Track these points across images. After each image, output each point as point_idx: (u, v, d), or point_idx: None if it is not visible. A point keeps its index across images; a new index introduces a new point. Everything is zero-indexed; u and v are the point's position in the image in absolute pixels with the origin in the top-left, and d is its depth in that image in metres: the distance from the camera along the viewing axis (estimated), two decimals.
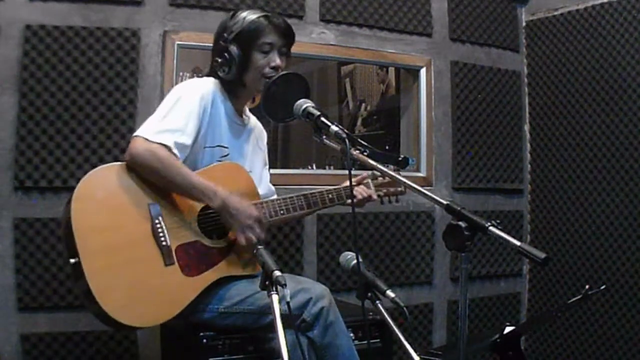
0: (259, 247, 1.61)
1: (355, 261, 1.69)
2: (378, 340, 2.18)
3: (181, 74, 2.85)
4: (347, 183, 2.20)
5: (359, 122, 4.72)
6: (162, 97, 2.58)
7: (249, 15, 2.05)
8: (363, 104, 4.73)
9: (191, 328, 1.99)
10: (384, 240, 3.15)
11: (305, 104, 1.75)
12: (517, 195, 3.55)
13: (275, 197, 2.21)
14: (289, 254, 2.92)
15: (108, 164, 1.96)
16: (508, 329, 2.16)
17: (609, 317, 3.11)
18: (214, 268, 1.96)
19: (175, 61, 2.71)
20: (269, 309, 1.75)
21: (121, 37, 2.60)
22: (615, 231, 3.12)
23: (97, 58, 2.56)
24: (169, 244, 1.88)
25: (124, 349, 2.58)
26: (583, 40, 3.26)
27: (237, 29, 2.03)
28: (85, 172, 1.90)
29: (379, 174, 2.28)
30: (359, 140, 1.63)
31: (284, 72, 1.98)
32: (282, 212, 2.07)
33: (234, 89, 2.10)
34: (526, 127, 3.58)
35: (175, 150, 1.90)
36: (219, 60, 2.06)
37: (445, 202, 1.40)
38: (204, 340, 1.96)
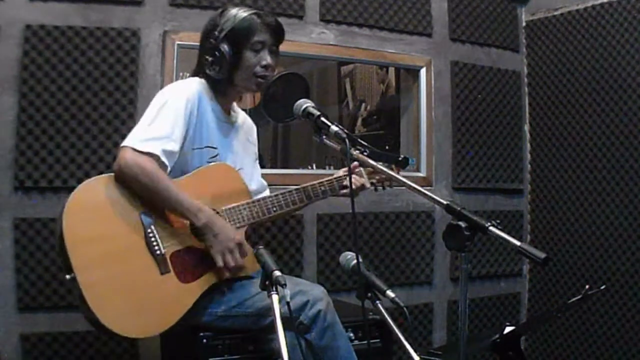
0: (259, 247, 1.61)
1: (355, 261, 1.69)
2: (378, 340, 2.18)
3: (181, 74, 2.84)
4: (340, 173, 2.21)
5: (359, 122, 4.72)
6: None
7: (239, 13, 2.03)
8: (363, 104, 4.73)
9: (191, 328, 1.99)
10: (384, 240, 3.15)
11: (305, 104, 1.75)
12: (517, 195, 3.55)
13: (267, 193, 2.19)
14: (289, 254, 2.92)
15: (96, 177, 1.94)
16: (508, 329, 2.16)
17: (609, 317, 3.11)
18: (210, 272, 1.95)
19: (175, 61, 2.71)
20: (267, 310, 1.76)
21: (121, 37, 2.60)
22: (615, 231, 3.12)
23: (97, 58, 2.56)
24: (163, 252, 1.87)
25: (124, 349, 2.57)
26: (583, 40, 3.26)
27: (228, 26, 2.02)
28: (86, 172, 1.90)
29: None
30: (359, 140, 1.64)
31: (284, 72, 1.98)
32: (275, 209, 2.06)
33: (222, 88, 2.09)
34: (526, 127, 3.58)
35: (163, 158, 1.88)
36: (209, 58, 2.04)
37: (445, 202, 1.40)
38: (204, 341, 1.96)
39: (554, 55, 3.41)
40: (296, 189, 2.11)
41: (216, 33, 2.03)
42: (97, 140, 2.54)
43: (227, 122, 2.15)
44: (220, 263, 1.92)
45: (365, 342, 2.11)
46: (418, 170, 3.30)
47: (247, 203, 2.02)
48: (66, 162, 2.49)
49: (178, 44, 2.71)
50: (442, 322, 3.30)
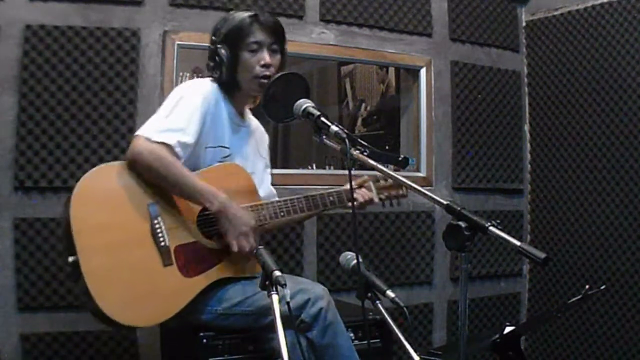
0: (259, 247, 1.61)
1: (355, 261, 1.69)
2: (378, 340, 2.18)
3: (181, 74, 2.85)
4: (348, 185, 2.21)
5: (359, 122, 4.71)
6: (162, 97, 2.59)
7: (236, 16, 2.06)
8: (363, 104, 4.73)
9: (191, 328, 1.99)
10: (384, 240, 3.15)
11: (305, 104, 1.75)
12: (517, 195, 3.55)
13: (275, 199, 2.20)
14: (289, 254, 2.92)
15: (109, 163, 1.97)
16: (508, 329, 2.16)
17: (609, 317, 3.11)
18: (213, 269, 1.96)
19: (175, 61, 2.71)
20: (267, 309, 1.76)
21: (121, 37, 2.60)
22: (615, 231, 3.12)
23: (97, 58, 2.56)
24: (167, 244, 1.88)
25: (124, 349, 2.57)
26: (583, 40, 3.26)
27: (224, 30, 2.04)
28: (85, 172, 1.90)
29: (380, 176, 2.27)
30: (359, 140, 1.63)
31: (284, 72, 1.98)
32: (282, 214, 2.07)
33: (230, 90, 2.10)
34: (526, 127, 3.58)
35: (177, 149, 1.90)
36: (211, 63, 2.07)
37: (445, 202, 1.39)
38: (204, 340, 1.96)
39: (554, 55, 3.41)
40: (304, 197, 2.12)
41: (215, 38, 2.06)
42: (97, 140, 2.55)
43: (241, 125, 2.16)
44: (235, 248, 1.93)
45: (365, 342, 2.11)
46: (418, 170, 3.30)
47: (255, 205, 2.03)
48: (66, 162, 2.50)
49: (178, 44, 2.71)
50: (442, 322, 3.30)
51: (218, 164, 2.05)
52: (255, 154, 2.25)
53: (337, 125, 1.64)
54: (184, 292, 1.89)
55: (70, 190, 1.85)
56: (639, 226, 3.03)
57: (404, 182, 1.55)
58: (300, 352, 1.77)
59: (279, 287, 1.47)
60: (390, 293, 1.58)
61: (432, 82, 3.31)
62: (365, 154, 1.61)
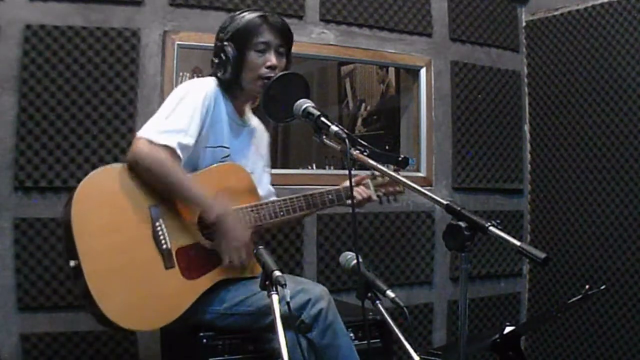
0: (259, 247, 1.61)
1: (355, 261, 1.69)
2: (378, 340, 2.18)
3: (181, 74, 2.85)
4: (347, 183, 2.21)
5: (359, 122, 4.71)
6: (162, 97, 2.60)
7: (245, 15, 2.05)
8: (363, 104, 4.73)
9: (191, 328, 1.99)
10: (384, 240, 3.15)
11: (305, 104, 1.75)
12: (517, 195, 3.55)
13: (275, 198, 2.20)
14: (289, 254, 2.92)
15: (109, 165, 1.96)
16: (508, 329, 2.16)
17: (609, 317, 3.11)
18: (214, 271, 1.96)
19: (175, 61, 2.71)
20: (268, 309, 1.75)
21: (121, 37, 2.60)
22: (615, 231, 3.11)
23: (97, 58, 2.56)
24: (169, 247, 1.87)
25: (124, 349, 2.57)
26: (583, 40, 3.26)
27: (232, 28, 2.03)
28: (85, 172, 1.90)
29: (378, 174, 2.28)
30: (359, 140, 1.63)
31: (284, 72, 1.98)
32: (282, 213, 2.07)
33: (232, 90, 2.10)
34: (526, 127, 3.58)
35: (178, 151, 1.90)
36: (216, 60, 2.06)
37: (445, 202, 1.39)
38: (204, 340, 1.96)
39: (554, 55, 3.41)
40: (303, 195, 2.12)
41: (222, 35, 2.05)
42: (97, 140, 2.55)
43: (240, 125, 2.16)
44: (226, 261, 1.94)
45: (365, 342, 2.11)
46: (418, 170, 3.30)
47: (255, 205, 2.03)
48: (66, 162, 2.50)
49: (178, 44, 2.71)
50: (442, 322, 3.30)
51: (218, 163, 2.05)
52: (255, 154, 2.24)
53: (337, 125, 1.63)
54: (186, 295, 1.89)
55: (70, 190, 1.86)
56: (639, 226, 3.03)
57: (404, 182, 1.55)
58: (301, 352, 1.77)
59: (279, 287, 1.47)
60: (390, 293, 1.58)
61: (432, 82, 3.31)
62: (365, 154, 1.61)
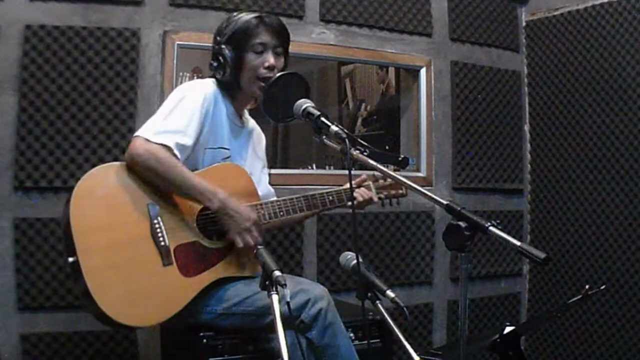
0: (259, 247, 1.62)
1: (355, 261, 1.69)
2: (378, 340, 2.18)
3: (181, 74, 2.85)
4: (348, 185, 2.21)
5: (359, 122, 4.72)
6: (162, 97, 2.60)
7: (242, 17, 2.05)
8: (363, 104, 4.73)
9: (191, 328, 1.99)
10: (384, 240, 3.15)
11: (305, 104, 1.75)
12: (517, 195, 3.55)
13: (275, 198, 2.21)
14: (289, 254, 2.92)
15: (108, 163, 1.96)
16: (508, 329, 2.16)
17: (609, 317, 3.11)
18: (213, 269, 1.96)
19: (175, 61, 2.71)
20: (267, 309, 1.76)
21: (121, 37, 2.60)
22: (615, 231, 3.12)
23: (97, 58, 2.56)
24: (167, 244, 1.88)
25: (124, 349, 2.57)
26: (583, 40, 3.26)
27: (229, 30, 2.03)
28: (85, 172, 1.90)
29: (379, 176, 2.27)
30: (359, 140, 1.63)
31: (284, 73, 1.98)
32: (281, 213, 2.07)
33: (232, 91, 2.10)
34: (526, 127, 3.58)
35: (176, 151, 1.90)
36: (214, 63, 2.06)
37: (445, 202, 1.39)
38: (204, 340, 1.96)
39: (554, 55, 3.41)
40: (304, 196, 2.12)
41: (219, 38, 2.06)
42: (97, 140, 2.55)
43: (239, 126, 2.16)
44: (240, 244, 1.93)
45: (365, 342, 2.11)
46: (418, 170, 3.30)
47: (255, 205, 2.03)
48: (66, 162, 2.50)
49: (178, 44, 2.71)
50: (442, 322, 3.30)
51: (218, 164, 2.05)
52: (254, 155, 2.25)
53: (337, 125, 1.64)
54: (184, 292, 1.89)
55: (70, 190, 1.86)
56: (639, 226, 3.03)
57: (404, 182, 1.55)
58: (300, 352, 1.77)
59: (279, 287, 1.47)
60: (390, 293, 1.58)
61: (432, 82, 3.31)
62: (365, 154, 1.61)
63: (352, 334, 2.10)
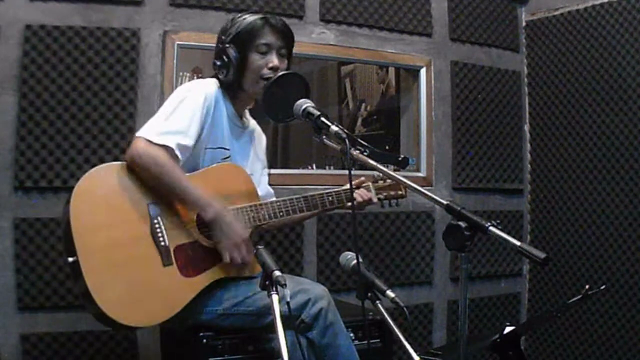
0: (259, 247, 1.62)
1: (355, 261, 1.69)
2: (378, 340, 2.18)
3: (181, 74, 2.84)
4: (348, 185, 2.21)
5: (359, 122, 4.71)
6: (162, 97, 2.60)
7: (247, 17, 2.05)
8: (363, 104, 4.73)
9: (191, 328, 1.99)
10: (384, 240, 3.15)
11: (305, 104, 1.75)
12: (517, 195, 3.55)
13: (274, 199, 2.20)
14: (289, 254, 2.92)
15: (108, 163, 1.96)
16: (508, 329, 2.16)
17: (609, 317, 3.11)
18: (213, 269, 1.95)
19: (175, 61, 2.71)
20: (267, 309, 1.76)
21: (121, 37, 2.60)
22: (615, 231, 3.12)
23: (97, 58, 2.56)
24: (167, 244, 1.87)
25: (124, 349, 2.57)
26: (583, 40, 3.26)
27: (234, 31, 2.03)
28: (86, 172, 1.90)
29: (379, 177, 2.27)
30: (359, 140, 1.63)
31: (284, 73, 1.98)
32: (281, 214, 2.06)
33: (233, 91, 2.10)
34: (526, 127, 3.58)
35: (177, 152, 1.90)
36: (218, 63, 2.06)
37: (445, 202, 1.39)
38: (204, 340, 1.96)
39: (554, 55, 3.41)
40: (303, 197, 2.12)
41: (224, 37, 2.05)
42: (97, 140, 2.55)
43: (240, 127, 2.16)
44: (226, 259, 1.93)
45: (365, 342, 2.11)
46: (418, 170, 3.30)
47: (254, 205, 2.03)
48: (66, 162, 2.50)
49: (178, 44, 2.71)
50: (442, 322, 3.30)
51: (218, 164, 2.05)
52: (254, 156, 2.25)
53: (337, 125, 1.64)
54: (184, 292, 1.89)
55: (70, 190, 1.85)
56: (639, 226, 3.03)
57: (404, 182, 1.55)
58: (300, 352, 1.77)
59: (279, 287, 1.47)
60: (390, 293, 1.58)
61: (432, 82, 3.31)
62: (365, 154, 1.61)
63: (352, 334, 2.10)
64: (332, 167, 3.56)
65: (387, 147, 3.98)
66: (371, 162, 1.59)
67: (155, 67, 2.67)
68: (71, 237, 1.78)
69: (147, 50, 2.66)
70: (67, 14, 2.53)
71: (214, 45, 2.14)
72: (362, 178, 2.29)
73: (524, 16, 3.58)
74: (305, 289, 1.93)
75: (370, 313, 2.08)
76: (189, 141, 1.93)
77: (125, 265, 1.82)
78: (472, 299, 3.33)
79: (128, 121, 2.60)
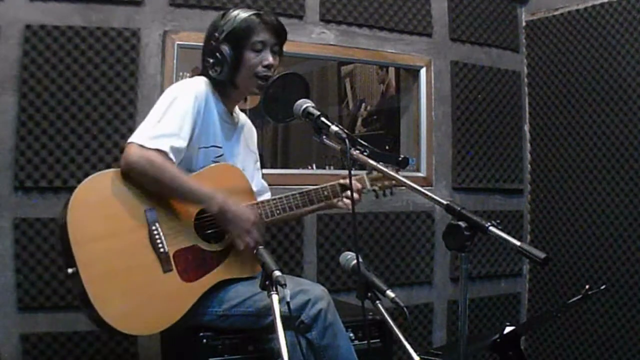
0: (259, 247, 1.61)
1: (355, 261, 1.69)
2: (378, 340, 2.18)
3: (181, 74, 2.84)
4: (341, 181, 2.21)
5: (359, 122, 4.72)
6: None
7: (240, 14, 2.03)
8: (363, 104, 4.73)
9: (191, 328, 1.99)
10: (384, 240, 3.15)
11: (305, 104, 1.75)
12: (517, 195, 3.55)
13: (269, 196, 2.20)
14: (289, 254, 2.92)
15: (103, 171, 1.94)
16: (508, 329, 2.16)
17: (609, 317, 3.11)
18: (213, 272, 1.95)
19: (175, 61, 2.71)
20: (267, 311, 1.76)
21: (121, 37, 2.60)
22: (615, 231, 3.12)
23: (97, 58, 2.56)
24: (166, 250, 1.86)
25: (124, 349, 2.58)
26: (583, 40, 3.26)
27: (228, 28, 2.01)
28: (86, 172, 1.90)
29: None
30: (359, 140, 1.63)
31: (284, 73, 1.98)
32: (278, 212, 2.06)
33: (225, 89, 2.08)
34: (526, 127, 3.58)
35: (171, 155, 1.88)
36: (211, 60, 2.04)
37: (445, 202, 1.39)
38: (204, 340, 1.95)
39: (554, 55, 3.41)
40: (299, 193, 2.11)
41: (217, 34, 2.03)
42: (97, 140, 2.55)
43: (230, 123, 2.15)
44: (241, 246, 1.92)
45: (365, 342, 2.11)
46: (418, 170, 3.30)
47: (252, 204, 2.02)
48: (66, 162, 2.50)
49: (178, 44, 2.71)
50: (442, 322, 3.31)
51: (213, 164, 2.03)
52: (246, 150, 2.23)
53: (337, 125, 1.64)
54: (185, 298, 1.89)
55: (70, 190, 1.85)
56: (639, 226, 3.03)
57: (404, 182, 1.55)
58: (300, 352, 1.77)
59: (279, 288, 1.47)
60: (390, 293, 1.58)
61: (432, 82, 3.31)
62: (365, 154, 1.61)
63: (352, 334, 2.10)
64: (332, 167, 3.57)
65: (387, 147, 3.99)
66: (371, 162, 1.59)
67: (155, 67, 2.67)
68: (70, 248, 1.76)
69: (147, 50, 2.66)
70: (67, 14, 2.53)
71: (204, 44, 2.12)
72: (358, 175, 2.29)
73: (524, 16, 3.58)
74: (305, 290, 1.93)
75: (370, 313, 2.08)
76: (182, 143, 1.92)
77: (125, 274, 1.81)
78: (472, 299, 3.33)
79: (128, 121, 2.59)
